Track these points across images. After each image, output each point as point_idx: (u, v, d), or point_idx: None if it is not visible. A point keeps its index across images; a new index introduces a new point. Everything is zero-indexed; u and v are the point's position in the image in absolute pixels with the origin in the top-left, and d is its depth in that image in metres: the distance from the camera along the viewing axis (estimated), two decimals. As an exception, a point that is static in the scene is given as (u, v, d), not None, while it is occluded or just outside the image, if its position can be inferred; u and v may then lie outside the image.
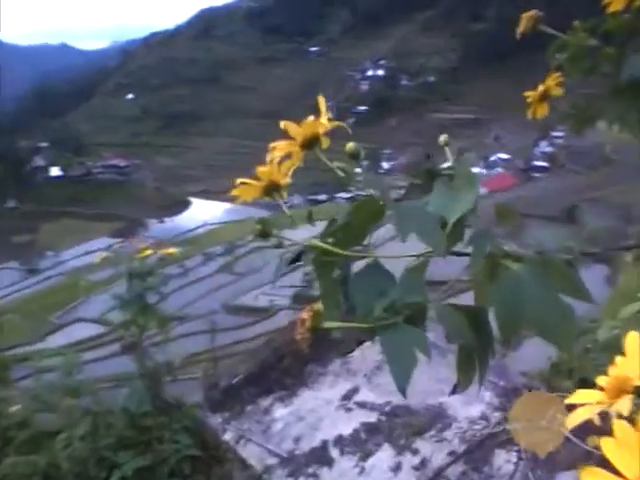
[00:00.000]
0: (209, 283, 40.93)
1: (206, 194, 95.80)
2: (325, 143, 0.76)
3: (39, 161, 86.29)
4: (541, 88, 1.03)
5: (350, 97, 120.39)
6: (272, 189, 0.77)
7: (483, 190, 61.07)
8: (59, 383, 3.16)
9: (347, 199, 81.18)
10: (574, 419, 0.63)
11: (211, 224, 72.08)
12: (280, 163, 0.76)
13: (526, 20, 1.05)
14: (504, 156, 79.66)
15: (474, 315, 0.75)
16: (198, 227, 70.95)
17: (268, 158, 0.75)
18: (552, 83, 1.02)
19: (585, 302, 0.67)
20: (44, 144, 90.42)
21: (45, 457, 2.96)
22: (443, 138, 0.84)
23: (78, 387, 3.18)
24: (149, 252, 3.30)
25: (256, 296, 43.06)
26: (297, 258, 0.74)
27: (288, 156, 0.76)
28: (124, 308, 3.18)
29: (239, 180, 0.76)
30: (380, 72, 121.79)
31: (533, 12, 1.04)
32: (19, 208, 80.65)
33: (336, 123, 0.76)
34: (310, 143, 0.75)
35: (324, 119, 0.74)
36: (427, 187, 0.75)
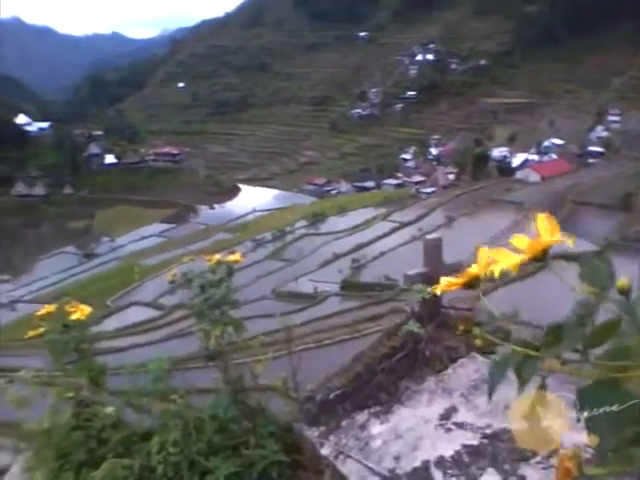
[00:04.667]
0: (259, 269, 41.28)
1: (254, 181, 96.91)
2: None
3: (94, 149, 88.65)
4: None
5: (399, 82, 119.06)
6: (472, 284, 0.79)
7: (536, 176, 59.44)
8: (150, 387, 3.27)
9: (394, 185, 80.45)
10: None
11: (260, 210, 72.90)
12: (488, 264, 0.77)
13: None
14: (558, 141, 77.52)
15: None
16: (247, 213, 71.84)
17: (479, 259, 0.77)
18: None
19: None
20: (98, 132, 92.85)
21: (139, 460, 3.07)
22: None
23: (168, 391, 3.30)
24: (216, 259, 3.38)
25: (304, 283, 43.30)
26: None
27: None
28: (201, 318, 3.26)
29: (447, 280, 0.78)
30: (429, 56, 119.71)
31: None
32: (75, 194, 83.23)
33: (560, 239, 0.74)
34: (539, 258, 0.75)
35: (558, 235, 0.74)
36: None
